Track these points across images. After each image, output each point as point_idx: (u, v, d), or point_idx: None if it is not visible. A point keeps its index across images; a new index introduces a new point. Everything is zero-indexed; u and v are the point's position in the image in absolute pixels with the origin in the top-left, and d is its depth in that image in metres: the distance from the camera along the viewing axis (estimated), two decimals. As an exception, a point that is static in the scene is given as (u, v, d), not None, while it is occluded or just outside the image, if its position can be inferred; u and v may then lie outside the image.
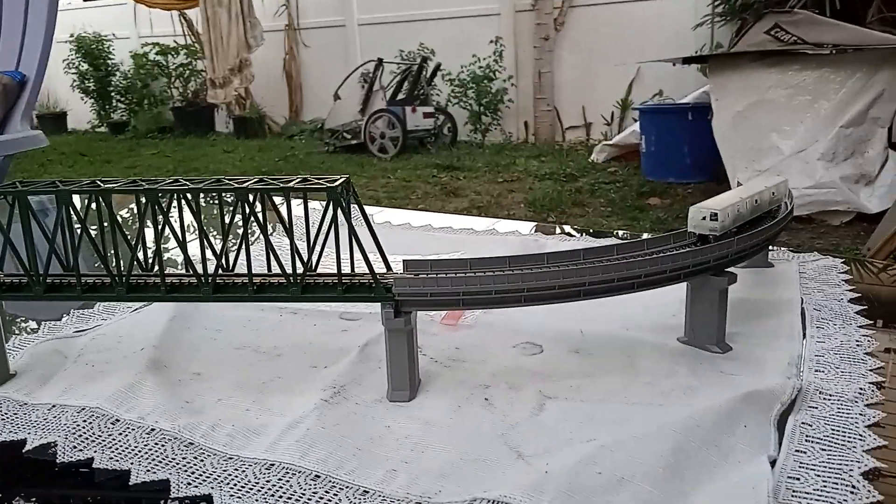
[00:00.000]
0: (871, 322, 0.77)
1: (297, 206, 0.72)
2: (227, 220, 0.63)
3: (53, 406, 0.65)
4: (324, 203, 0.61)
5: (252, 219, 0.61)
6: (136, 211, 0.63)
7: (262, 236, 0.67)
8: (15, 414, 0.65)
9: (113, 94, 7.60)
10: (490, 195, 4.23)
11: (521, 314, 0.80)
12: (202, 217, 0.64)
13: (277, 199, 0.64)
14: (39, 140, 2.15)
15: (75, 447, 0.59)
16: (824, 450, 0.55)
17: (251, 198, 0.61)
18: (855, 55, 3.31)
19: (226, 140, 6.69)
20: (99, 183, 0.64)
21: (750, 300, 0.82)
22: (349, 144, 5.63)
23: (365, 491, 0.52)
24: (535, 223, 1.29)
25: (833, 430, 0.57)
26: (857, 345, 0.71)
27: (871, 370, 0.66)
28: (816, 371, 0.67)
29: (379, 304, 0.63)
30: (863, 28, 3.44)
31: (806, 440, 0.56)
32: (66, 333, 0.82)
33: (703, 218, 0.70)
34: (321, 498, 0.52)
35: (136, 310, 0.88)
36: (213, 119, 7.12)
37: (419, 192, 4.37)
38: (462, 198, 4.22)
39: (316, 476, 0.54)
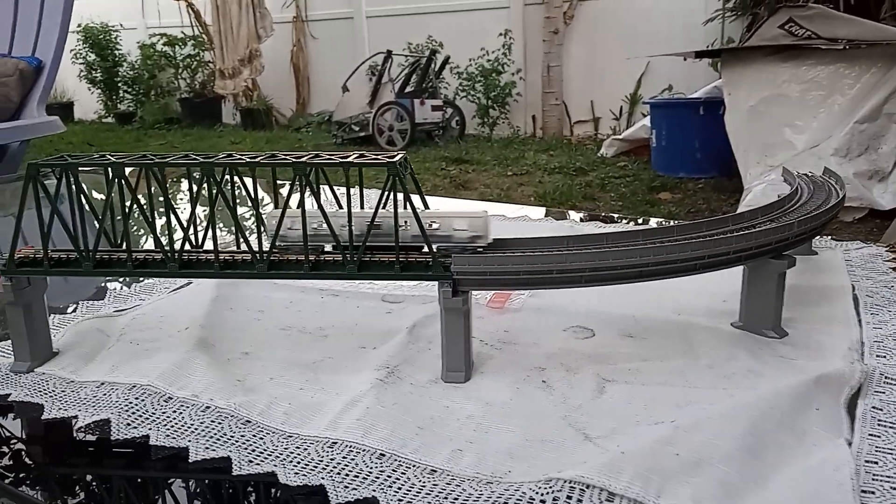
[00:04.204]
0: (926, 309, 0.75)
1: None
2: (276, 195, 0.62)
3: (102, 383, 0.64)
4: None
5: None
6: (186, 186, 0.62)
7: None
8: (63, 391, 0.64)
9: (120, 84, 7.57)
10: (500, 188, 4.21)
11: (568, 299, 0.79)
12: (257, 192, 0.62)
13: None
14: (56, 126, 2.14)
15: (129, 424, 0.58)
16: (899, 434, 0.54)
17: (308, 172, 0.60)
18: (869, 50, 3.29)
19: (233, 131, 6.66)
20: (150, 156, 0.63)
21: (800, 287, 0.81)
22: (357, 137, 5.61)
23: (433, 470, 0.51)
24: (564, 209, 1.28)
25: (905, 414, 0.56)
26: (916, 331, 0.70)
27: (933, 356, 0.65)
28: (878, 356, 0.66)
29: (426, 284, 0.62)
30: (877, 23, 3.42)
31: (879, 424, 0.55)
32: (106, 313, 0.81)
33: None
34: (388, 476, 0.50)
35: (173, 290, 0.87)
36: (220, 110, 7.09)
37: (429, 184, 4.35)
38: (472, 191, 4.20)
39: (381, 455, 0.53)
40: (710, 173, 4.08)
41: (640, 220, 1.30)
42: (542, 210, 1.26)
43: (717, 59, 4.44)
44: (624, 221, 1.22)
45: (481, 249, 0.63)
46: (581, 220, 1.20)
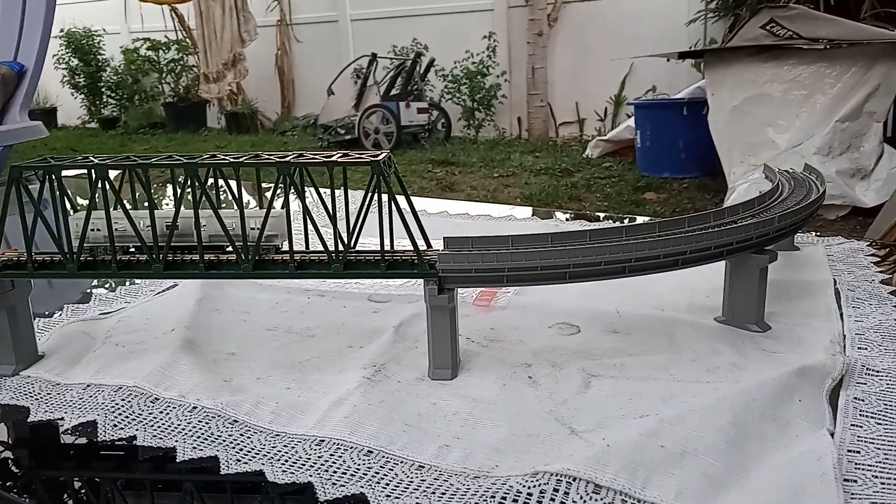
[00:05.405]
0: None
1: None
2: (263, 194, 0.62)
3: (88, 385, 0.64)
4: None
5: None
6: (171, 188, 0.62)
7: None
8: (48, 394, 0.63)
9: (103, 89, 7.52)
10: (486, 190, 4.22)
11: (553, 296, 0.79)
12: (242, 191, 0.62)
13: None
14: (39, 131, 2.13)
15: (116, 425, 0.58)
16: (880, 424, 0.54)
17: (293, 172, 0.60)
18: (850, 50, 3.32)
19: (218, 135, 6.63)
20: (134, 158, 0.63)
21: (782, 282, 0.82)
22: (343, 140, 5.60)
23: (420, 466, 0.51)
24: (550, 209, 1.28)
25: (886, 405, 0.57)
26: (897, 323, 0.71)
27: (913, 347, 0.66)
28: (860, 349, 0.66)
29: (412, 283, 0.62)
30: (857, 23, 3.45)
31: (860, 415, 0.56)
32: (91, 315, 0.80)
33: None
34: (376, 473, 0.51)
35: (159, 293, 0.87)
36: (204, 114, 7.05)
37: (415, 186, 4.35)
38: (458, 192, 4.21)
39: (369, 451, 0.53)
40: (694, 173, 4.11)
41: (625, 220, 1.31)
42: (529, 210, 1.27)
43: (699, 60, 4.47)
44: (609, 222, 1.23)
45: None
46: (567, 220, 1.20)
